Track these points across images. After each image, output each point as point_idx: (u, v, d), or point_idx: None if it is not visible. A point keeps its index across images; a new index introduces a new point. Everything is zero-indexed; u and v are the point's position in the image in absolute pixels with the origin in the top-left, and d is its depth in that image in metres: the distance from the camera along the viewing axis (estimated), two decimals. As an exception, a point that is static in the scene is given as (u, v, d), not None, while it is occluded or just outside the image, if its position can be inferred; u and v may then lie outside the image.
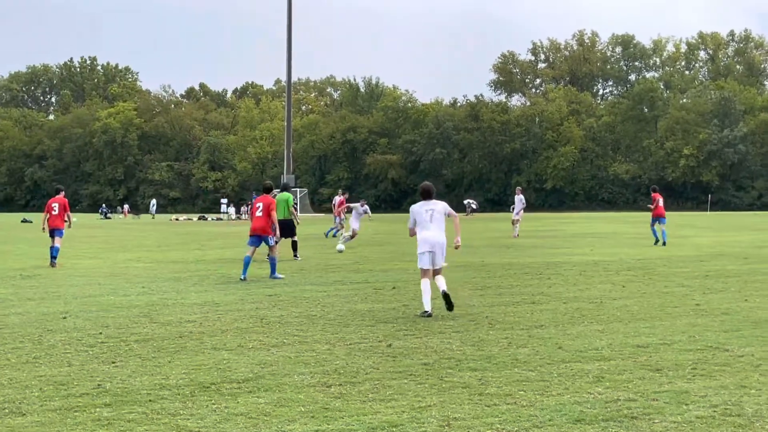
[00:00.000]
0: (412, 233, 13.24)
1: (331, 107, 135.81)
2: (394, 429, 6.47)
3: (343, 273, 19.59)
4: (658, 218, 29.78)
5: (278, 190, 25.13)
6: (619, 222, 54.25)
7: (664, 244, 28.60)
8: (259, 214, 18.71)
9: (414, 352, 9.62)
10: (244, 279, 18.05)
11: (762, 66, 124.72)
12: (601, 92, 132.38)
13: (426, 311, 12.49)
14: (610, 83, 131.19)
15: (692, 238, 34.15)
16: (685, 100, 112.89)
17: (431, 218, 13.01)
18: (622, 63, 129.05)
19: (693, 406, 7.08)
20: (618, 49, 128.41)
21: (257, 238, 18.64)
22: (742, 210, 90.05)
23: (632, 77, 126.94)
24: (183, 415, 6.93)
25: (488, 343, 10.16)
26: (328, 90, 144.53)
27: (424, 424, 6.58)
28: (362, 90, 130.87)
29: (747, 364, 8.86)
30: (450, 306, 12.52)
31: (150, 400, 7.41)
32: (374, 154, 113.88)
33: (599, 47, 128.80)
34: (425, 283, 12.76)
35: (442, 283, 12.76)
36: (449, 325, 11.57)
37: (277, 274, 18.60)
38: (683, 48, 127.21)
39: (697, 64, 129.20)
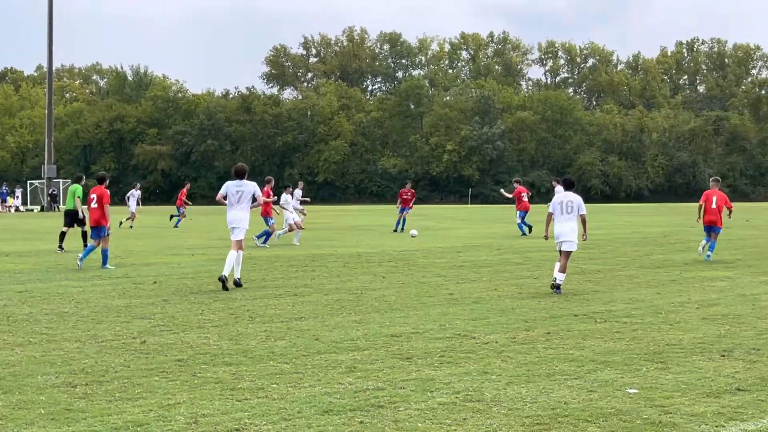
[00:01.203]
0: (221, 202, 15.46)
1: (97, 95, 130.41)
2: (139, 429, 6.29)
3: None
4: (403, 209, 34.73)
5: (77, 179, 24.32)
6: (386, 215, 55.66)
7: (401, 231, 32.99)
8: (94, 205, 18.98)
9: (169, 348, 9.42)
10: (80, 267, 18.44)
11: (518, 67, 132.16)
12: (370, 88, 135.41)
13: (223, 275, 14.58)
14: (379, 80, 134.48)
15: (452, 229, 35.65)
16: (448, 98, 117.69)
17: (239, 199, 15.06)
18: (390, 60, 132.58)
19: (437, 393, 7.36)
20: (386, 47, 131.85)
21: (94, 229, 18.99)
22: (499, 203, 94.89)
23: (399, 74, 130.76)
24: None
25: (246, 337, 10.12)
26: (94, 78, 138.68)
27: (171, 422, 6.45)
28: (130, 78, 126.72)
29: (491, 350, 9.33)
30: (226, 287, 14.53)
31: None
32: (143, 145, 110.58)
33: (368, 44, 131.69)
34: (231, 253, 14.91)
35: (238, 265, 15.10)
36: (208, 320, 11.43)
37: (108, 265, 18.63)
38: (447, 48, 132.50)
39: (459, 64, 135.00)
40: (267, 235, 25.97)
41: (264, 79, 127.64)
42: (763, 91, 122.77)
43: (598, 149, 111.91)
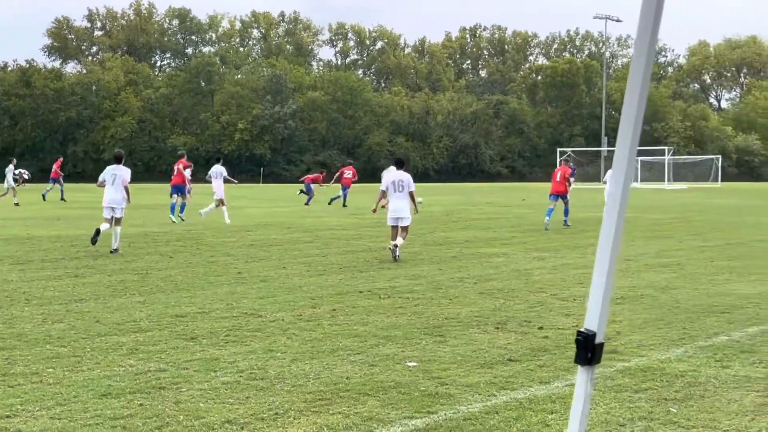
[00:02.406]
0: (100, 185, 17.85)
1: None
2: None
3: None
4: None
5: None
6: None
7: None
8: None
9: (-66, 334, 8.87)
10: None
11: (309, 47, 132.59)
12: (159, 64, 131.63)
13: (99, 228, 17.20)
14: (168, 55, 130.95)
15: (244, 209, 35.51)
16: (239, 76, 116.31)
17: (113, 181, 17.44)
18: (179, 36, 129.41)
19: (221, 373, 7.34)
20: (175, 22, 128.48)
21: None
22: (291, 182, 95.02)
23: (189, 51, 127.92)
24: None
25: (21, 320, 9.68)
26: None
27: (-65, 411, 6.09)
28: None
29: (277, 328, 9.40)
30: (115, 251, 16.93)
31: None
32: None
33: (157, 19, 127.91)
34: (104, 225, 17.30)
35: (116, 237, 17.18)
36: (-20, 304, 10.83)
37: None
38: (238, 25, 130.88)
39: (250, 42, 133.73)
40: (182, 206, 26.97)
41: (45, 51, 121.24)
42: (539, 77, 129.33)
43: (387, 130, 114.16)
